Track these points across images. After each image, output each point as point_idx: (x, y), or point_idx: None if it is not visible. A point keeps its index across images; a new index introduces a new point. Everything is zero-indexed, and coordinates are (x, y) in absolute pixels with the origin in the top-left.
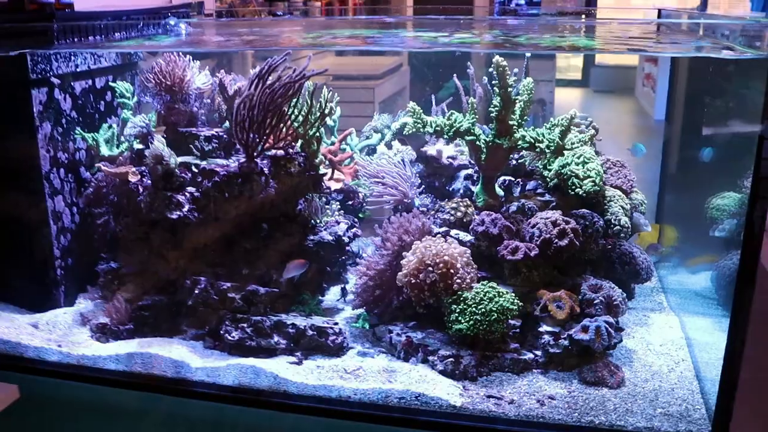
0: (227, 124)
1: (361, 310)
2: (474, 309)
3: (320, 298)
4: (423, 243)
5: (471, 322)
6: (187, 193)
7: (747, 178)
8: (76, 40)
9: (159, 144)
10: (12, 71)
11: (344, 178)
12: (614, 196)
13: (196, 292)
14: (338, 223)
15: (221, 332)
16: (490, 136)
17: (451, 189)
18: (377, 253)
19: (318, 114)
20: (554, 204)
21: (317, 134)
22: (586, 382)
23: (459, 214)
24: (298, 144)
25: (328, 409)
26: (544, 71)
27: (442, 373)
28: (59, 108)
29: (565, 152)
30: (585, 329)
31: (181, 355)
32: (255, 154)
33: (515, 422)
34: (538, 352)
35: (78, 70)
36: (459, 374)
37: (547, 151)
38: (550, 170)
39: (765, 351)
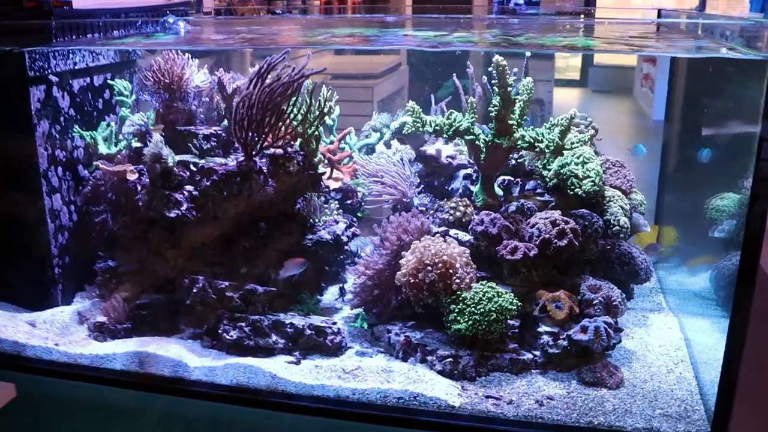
0: (226, 122)
1: (359, 310)
2: (473, 309)
3: (319, 297)
4: (422, 243)
5: (470, 322)
6: (185, 192)
7: (746, 179)
8: (74, 37)
9: (157, 142)
10: (10, 69)
11: (343, 177)
12: (614, 197)
13: (194, 291)
14: (337, 222)
15: (219, 331)
16: (489, 135)
17: (450, 188)
18: (376, 252)
19: (317, 113)
20: (553, 204)
21: (316, 133)
22: (585, 383)
23: (458, 213)
24: (297, 143)
25: (326, 409)
26: (543, 71)
27: (441, 373)
28: (57, 106)
29: (565, 152)
30: (584, 330)
31: (179, 354)
32: (254, 152)
33: (514, 423)
34: (537, 353)
35: (76, 67)
36: (457, 374)
37: (546, 151)
38: (549, 170)
39: (764, 351)
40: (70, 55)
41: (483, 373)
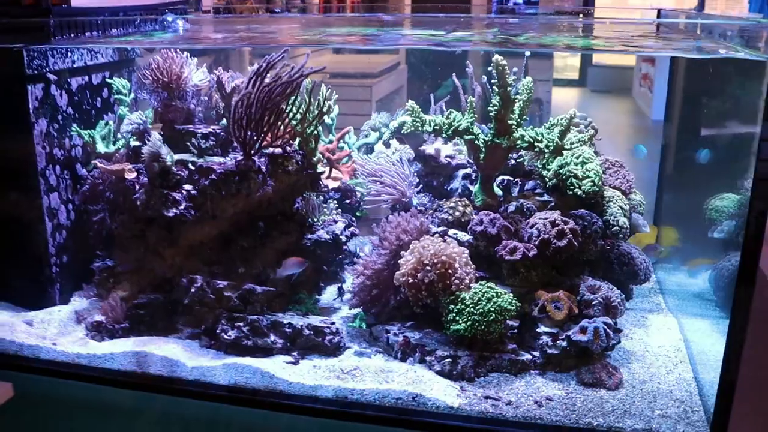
0: (224, 121)
1: (358, 310)
2: (472, 309)
3: (317, 297)
4: (421, 242)
5: (469, 323)
6: (183, 191)
7: (746, 179)
8: (72, 35)
9: (156, 141)
10: (8, 67)
11: (342, 176)
12: (613, 197)
13: (193, 290)
14: (336, 221)
15: (217, 331)
16: (488, 135)
17: (449, 188)
18: (375, 252)
19: (316, 112)
20: (553, 204)
21: (315, 132)
22: (584, 384)
23: (457, 213)
24: (296, 142)
25: (324, 410)
26: (542, 71)
27: (440, 373)
28: (55, 104)
29: (564, 152)
30: (583, 330)
31: (177, 354)
32: (252, 152)
33: (513, 423)
34: (536, 353)
35: (74, 66)
36: (456, 375)
37: (546, 150)
38: (548, 170)
39: (763, 351)
40: (69, 54)
41: (482, 373)
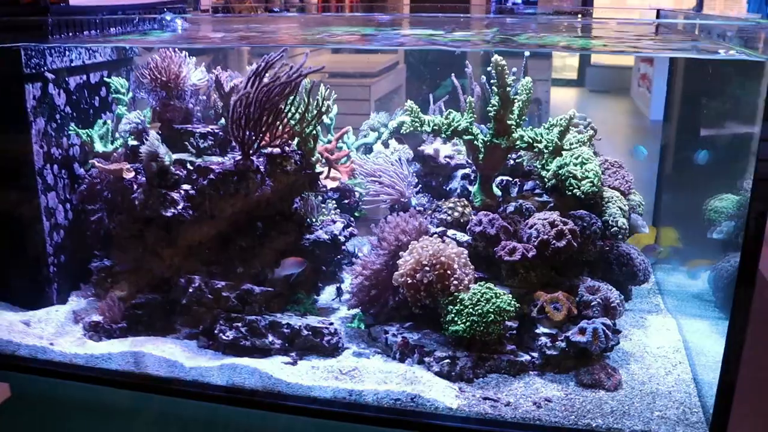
0: (223, 121)
1: (356, 310)
2: (471, 310)
3: (315, 297)
4: (420, 243)
5: (468, 324)
6: (182, 191)
7: (745, 180)
8: (70, 34)
9: (154, 141)
10: (6, 66)
11: (341, 176)
12: (612, 197)
13: (191, 290)
14: (334, 222)
15: (215, 331)
16: (488, 135)
17: (448, 188)
18: (373, 252)
19: (315, 112)
20: (552, 205)
21: (314, 132)
22: (583, 385)
23: (456, 214)
24: (295, 142)
25: (322, 410)
26: (541, 71)
27: (438, 374)
28: (53, 103)
29: (564, 153)
30: (582, 331)
31: (175, 354)
32: (251, 151)
33: (512, 424)
34: (535, 354)
35: (72, 65)
36: (455, 376)
37: (545, 151)
38: (548, 170)
39: (763, 352)
40: (67, 52)
41: (481, 374)
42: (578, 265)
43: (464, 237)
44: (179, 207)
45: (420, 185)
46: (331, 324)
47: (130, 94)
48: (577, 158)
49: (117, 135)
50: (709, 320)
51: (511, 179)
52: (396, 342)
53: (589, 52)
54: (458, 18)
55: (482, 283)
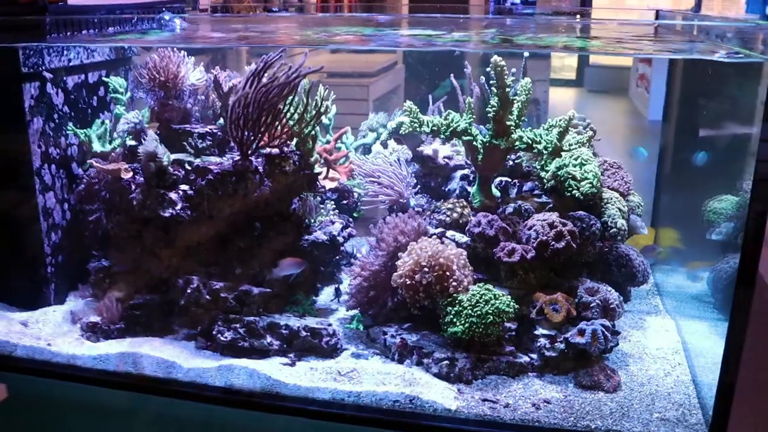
0: (221, 121)
1: (355, 311)
2: (470, 311)
3: (314, 298)
4: (419, 244)
5: (467, 325)
6: (180, 191)
7: (744, 181)
8: (69, 34)
9: (152, 141)
10: (3, 65)
11: (339, 177)
12: (611, 199)
13: (189, 291)
14: (333, 222)
15: (213, 332)
16: (487, 136)
17: (447, 189)
18: (372, 253)
19: (313, 112)
20: (551, 206)
21: (313, 133)
22: (582, 386)
23: (455, 215)
24: (293, 142)
25: (321, 412)
26: (539, 71)
27: (437, 375)
28: (51, 103)
29: (563, 154)
30: (581, 332)
31: (173, 355)
32: (249, 152)
33: (511, 426)
34: (534, 356)
35: (70, 64)
36: (454, 377)
37: (544, 152)
38: (547, 171)
39: (763, 353)
40: (65, 52)
41: (479, 376)
42: (577, 267)
43: (463, 238)
44: (177, 207)
45: (419, 186)
46: (330, 325)
47: (129, 94)
48: (576, 159)
49: (115, 135)
50: (708, 321)
51: (510, 180)
52: (395, 343)
53: (590, 53)
54: (457, 19)
55: (481, 284)
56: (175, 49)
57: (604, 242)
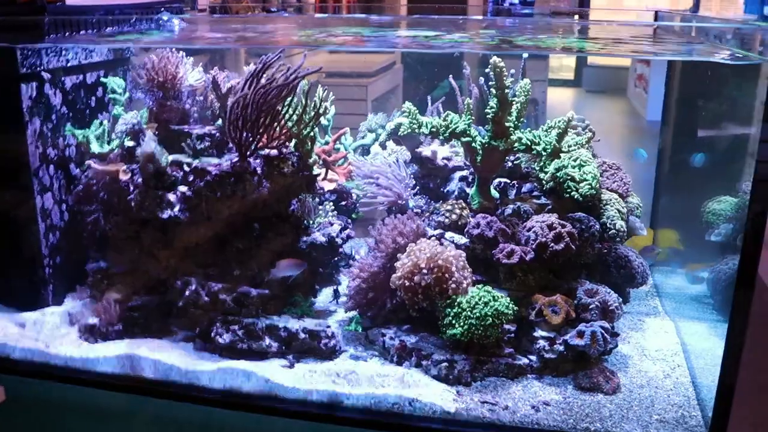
0: (220, 122)
1: (354, 313)
2: (469, 313)
3: (312, 299)
4: (418, 245)
5: (466, 327)
6: (178, 192)
7: (744, 182)
8: (67, 34)
9: (150, 141)
10: (1, 65)
11: (338, 178)
12: (610, 200)
13: (187, 293)
14: (331, 224)
15: (212, 334)
16: (486, 137)
17: (445, 190)
18: (371, 255)
19: (312, 113)
20: (550, 207)
21: (311, 134)
22: (582, 388)
23: (454, 216)
24: (292, 144)
25: (319, 414)
26: (537, 71)
27: (436, 377)
28: (49, 103)
29: (562, 155)
30: (580, 334)
31: (171, 357)
32: (248, 153)
33: (510, 428)
34: (533, 357)
35: (69, 64)
36: (453, 379)
37: (543, 153)
38: (546, 173)
39: (762, 354)
40: (63, 52)
41: (478, 378)
42: (576, 268)
43: (462, 239)
44: (176, 209)
45: (417, 187)
46: (329, 327)
47: (127, 95)
48: (575, 160)
49: (113, 136)
50: (708, 323)
51: (509, 181)
52: (393, 345)
53: (591, 54)
54: (457, 20)
55: (480, 286)
56: (173, 49)
57: (603, 244)
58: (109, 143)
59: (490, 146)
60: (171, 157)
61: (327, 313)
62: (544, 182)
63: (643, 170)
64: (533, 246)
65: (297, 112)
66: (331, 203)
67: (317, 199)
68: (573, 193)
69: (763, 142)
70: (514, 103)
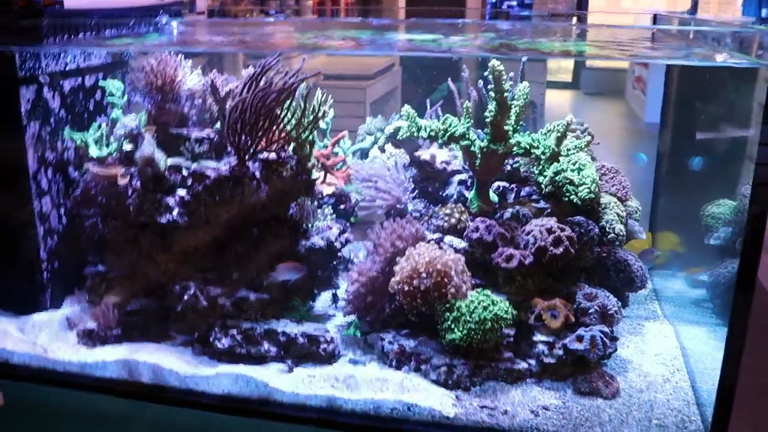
0: (218, 125)
1: (352, 317)
2: (468, 317)
3: (311, 304)
4: (417, 249)
5: (465, 331)
6: (177, 196)
7: (743, 185)
8: (65, 37)
9: (149, 145)
10: (0, 69)
11: (337, 182)
12: (609, 204)
13: (186, 297)
14: (330, 227)
15: (211, 339)
16: (484, 141)
17: (444, 194)
18: (369, 258)
19: (311, 117)
20: (549, 211)
21: (310, 138)
22: (581, 393)
23: (453, 220)
24: (291, 147)
25: (318, 419)
26: (536, 73)
27: (435, 382)
28: (48, 107)
29: (560, 158)
30: (580, 339)
31: (170, 361)
32: (247, 157)
33: None
34: (533, 362)
35: (67, 68)
36: (452, 384)
37: (542, 157)
38: (545, 176)
39: (762, 358)
40: (62, 55)
41: (478, 382)
42: (575, 272)
43: (461, 243)
44: (174, 212)
45: (416, 191)
46: (327, 331)
47: (126, 98)
48: (574, 164)
49: (112, 139)
50: (707, 326)
51: (507, 185)
52: (392, 349)
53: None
54: (456, 24)
55: (479, 290)
56: (172, 52)
57: (602, 247)
58: (107, 147)
59: (489, 150)
60: (169, 161)
61: (326, 318)
62: (543, 186)
63: (642, 173)
64: (532, 250)
65: (296, 115)
66: (330, 207)
67: (316, 203)
68: (572, 196)
69: (762, 144)
70: (513, 106)
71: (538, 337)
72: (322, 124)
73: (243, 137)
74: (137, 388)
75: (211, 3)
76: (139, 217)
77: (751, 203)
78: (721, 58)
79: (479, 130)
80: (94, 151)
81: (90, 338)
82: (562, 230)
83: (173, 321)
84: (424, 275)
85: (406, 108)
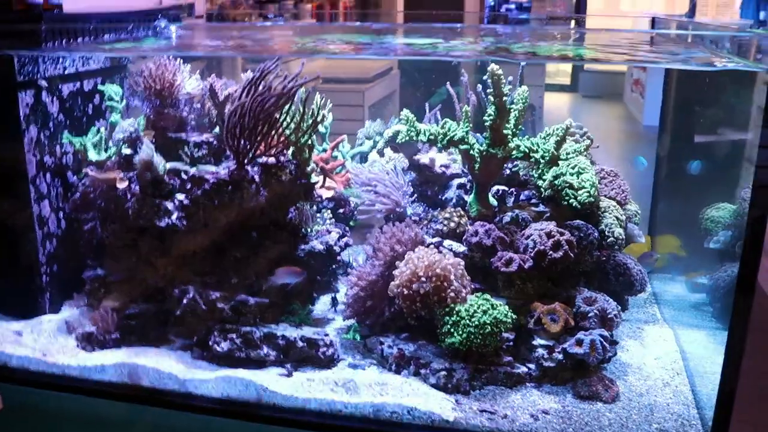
0: (217, 129)
1: (352, 321)
2: (467, 321)
3: (310, 308)
4: (416, 254)
5: (464, 335)
6: (176, 200)
7: (743, 189)
8: (64, 41)
9: (148, 149)
10: None
11: (336, 186)
12: (608, 207)
13: (185, 301)
14: (329, 232)
15: (210, 343)
16: (484, 145)
17: (443, 198)
18: (369, 263)
19: (310, 121)
20: (548, 215)
21: (309, 142)
22: (581, 397)
23: (452, 224)
24: (290, 151)
25: (317, 423)
26: (534, 76)
27: (435, 386)
28: (46, 111)
29: (560, 162)
30: (579, 343)
31: (169, 365)
32: (246, 161)
33: None
34: (532, 366)
35: (66, 72)
36: (452, 388)
37: (541, 161)
38: (544, 180)
39: (762, 362)
40: (60, 60)
41: (477, 386)
42: (575, 276)
43: (460, 247)
44: (173, 217)
45: (415, 195)
46: (327, 335)
47: (124, 102)
48: (573, 168)
49: (111, 143)
50: (707, 330)
51: (507, 189)
52: (392, 354)
53: (590, 62)
54: (455, 28)
55: (479, 294)
56: (170, 57)
57: (602, 251)
58: (106, 151)
59: (488, 154)
60: (168, 165)
61: (325, 321)
62: (542, 190)
63: (641, 176)
64: (532, 254)
65: (295, 120)
66: (329, 211)
67: (315, 207)
68: (571, 200)
69: (762, 147)
70: (512, 110)
71: (538, 341)
72: (321, 128)
73: (242, 141)
74: (136, 391)
75: (210, 7)
76: (137, 221)
77: (751, 206)
78: (719, 63)
79: (478, 134)
80: (92, 156)
81: (89, 342)
82: (562, 234)
83: (172, 325)
84: (423, 279)
85: (405, 112)
